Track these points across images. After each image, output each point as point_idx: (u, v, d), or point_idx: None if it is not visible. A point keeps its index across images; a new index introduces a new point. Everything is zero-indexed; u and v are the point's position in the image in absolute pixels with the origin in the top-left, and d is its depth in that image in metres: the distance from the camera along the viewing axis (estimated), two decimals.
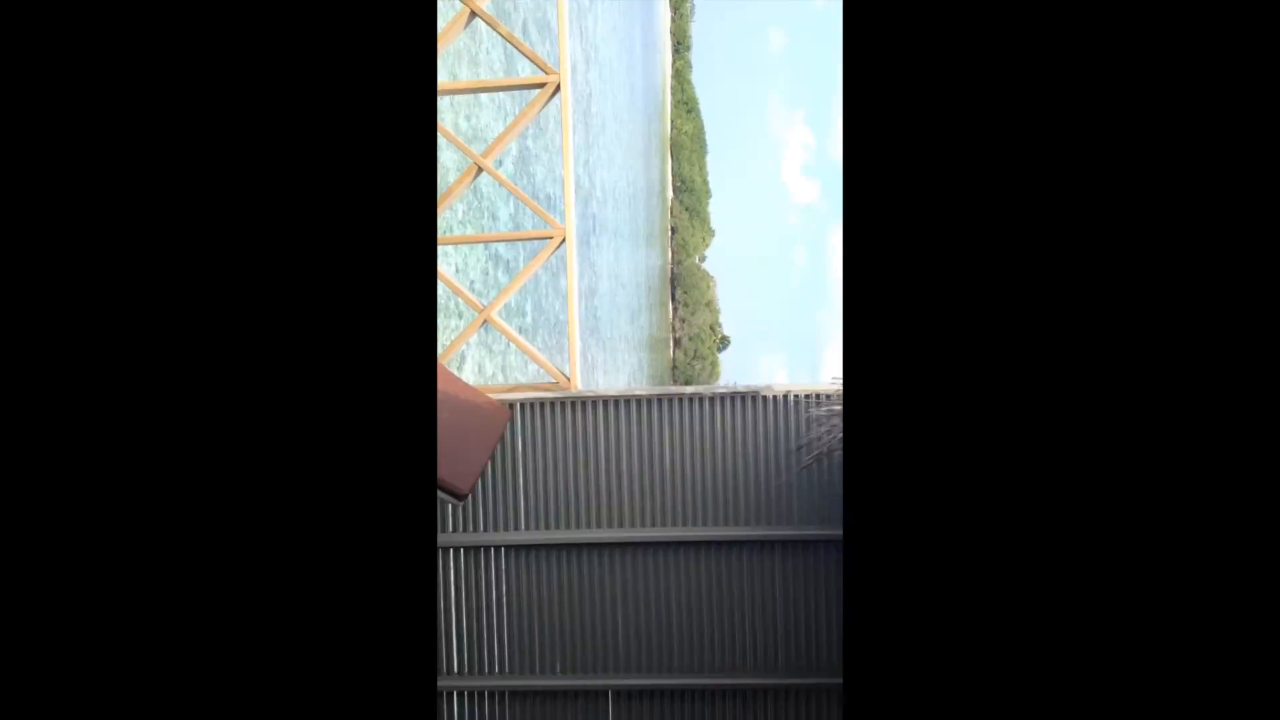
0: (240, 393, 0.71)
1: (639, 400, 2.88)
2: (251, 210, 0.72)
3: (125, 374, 0.68)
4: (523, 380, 9.04)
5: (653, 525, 2.87)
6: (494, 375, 8.50)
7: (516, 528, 2.92)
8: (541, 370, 3.03)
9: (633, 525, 2.88)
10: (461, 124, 7.60)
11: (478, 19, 2.80)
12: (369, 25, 0.74)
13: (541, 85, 2.81)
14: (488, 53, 8.26)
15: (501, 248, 8.82)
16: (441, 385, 2.62)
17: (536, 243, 2.78)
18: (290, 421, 0.72)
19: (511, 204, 8.95)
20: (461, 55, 7.46)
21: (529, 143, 10.12)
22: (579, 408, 2.91)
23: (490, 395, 2.87)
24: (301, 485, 0.72)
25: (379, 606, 0.73)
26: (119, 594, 0.67)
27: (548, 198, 10.61)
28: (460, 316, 6.98)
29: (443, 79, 6.86)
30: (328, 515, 0.72)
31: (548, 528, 2.91)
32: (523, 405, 2.92)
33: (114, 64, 0.67)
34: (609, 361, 16.04)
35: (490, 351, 8.28)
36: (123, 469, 0.68)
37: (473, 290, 7.91)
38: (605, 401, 2.88)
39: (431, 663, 0.78)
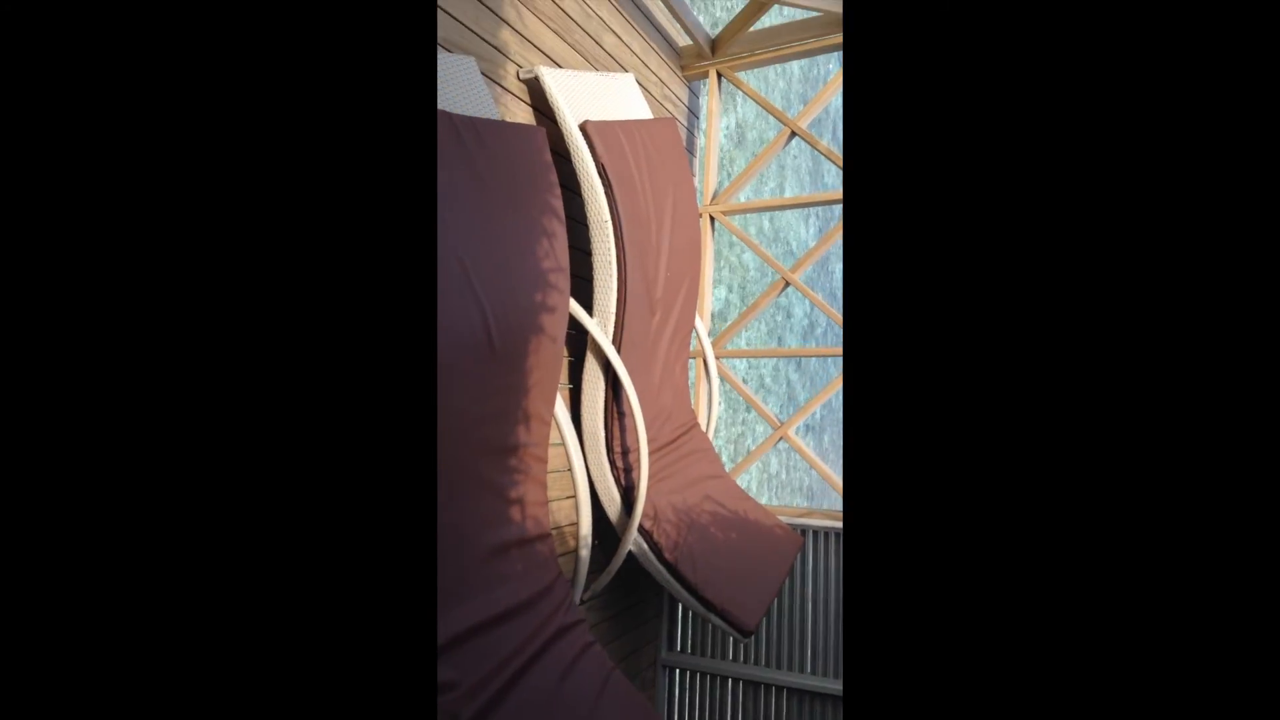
0: (236, 396, 0.71)
1: None
2: (248, 211, 0.72)
3: (112, 376, 0.68)
4: (808, 483, 8.67)
5: None
6: (778, 472, 8.31)
7: (801, 669, 2.64)
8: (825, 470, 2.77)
9: None
10: (765, 226, 7.84)
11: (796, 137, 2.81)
12: (369, 26, 0.73)
13: None
14: (794, 158, 8.50)
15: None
16: (732, 503, 2.53)
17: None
18: (288, 426, 0.71)
19: (806, 304, 8.87)
20: (770, 167, 7.77)
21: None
22: None
23: (782, 518, 2.70)
24: (298, 492, 0.71)
25: (377, 621, 0.71)
26: (111, 589, 0.67)
27: None
28: (749, 411, 6.99)
29: (752, 197, 7.19)
30: (324, 526, 0.71)
31: (837, 676, 2.58)
32: (816, 533, 2.69)
33: (108, 57, 0.67)
34: None
35: (775, 449, 8.14)
36: (107, 475, 0.67)
37: (762, 386, 7.91)
38: None
39: (432, 686, 0.74)
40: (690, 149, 3.06)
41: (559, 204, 1.80)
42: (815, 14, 2.65)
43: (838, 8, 2.59)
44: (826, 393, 2.77)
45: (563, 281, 1.78)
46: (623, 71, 2.52)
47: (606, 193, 2.05)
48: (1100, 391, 0.67)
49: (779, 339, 8.31)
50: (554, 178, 1.80)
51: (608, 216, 2.07)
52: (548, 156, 1.79)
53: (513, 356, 1.64)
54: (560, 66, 2.21)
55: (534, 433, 1.76)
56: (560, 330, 1.80)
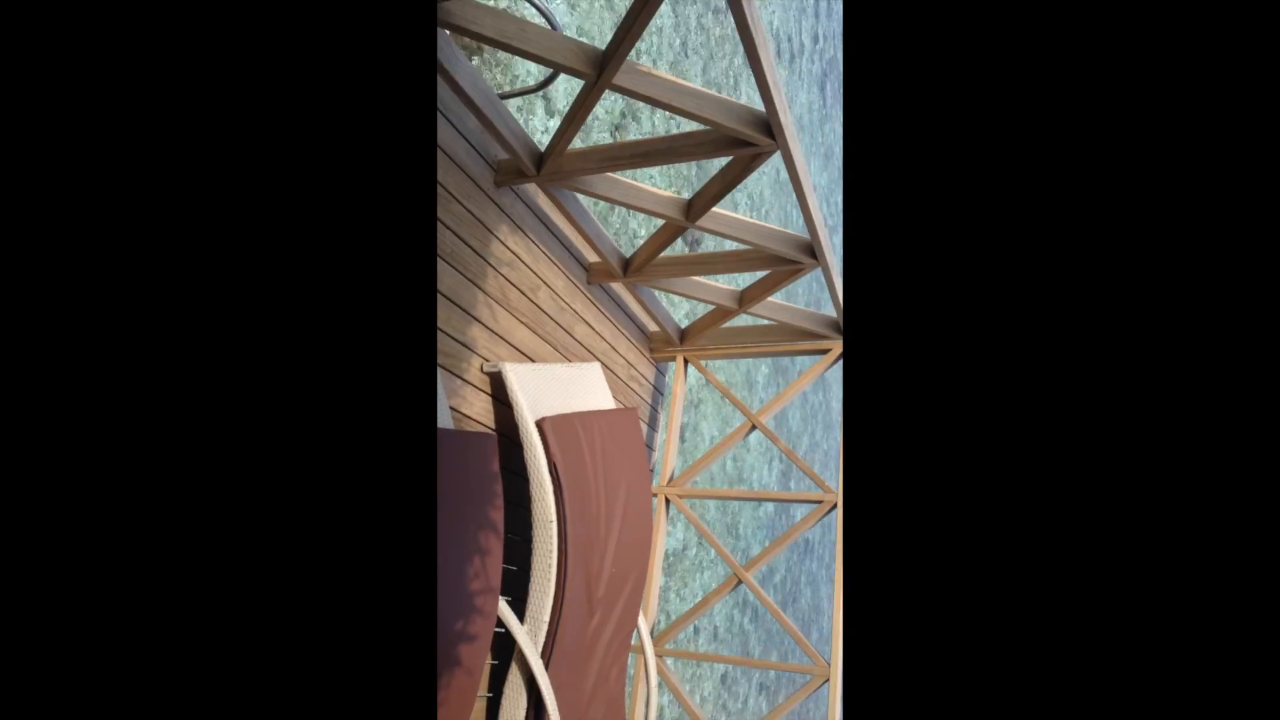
0: (234, 398, 0.71)
1: None
2: (247, 214, 0.73)
3: (111, 375, 0.69)
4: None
5: None
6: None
7: None
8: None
9: None
10: (728, 465, 7.86)
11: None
12: (369, 27, 0.75)
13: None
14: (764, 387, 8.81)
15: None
16: None
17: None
18: (287, 429, 0.72)
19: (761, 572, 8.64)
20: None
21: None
22: None
23: None
24: (300, 496, 0.72)
25: (377, 620, 0.73)
26: (110, 588, 0.67)
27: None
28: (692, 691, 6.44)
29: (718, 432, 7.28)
30: (326, 526, 0.72)
31: None
32: None
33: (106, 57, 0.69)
34: None
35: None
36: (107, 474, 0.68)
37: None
38: None
39: (431, 668, 0.77)
40: (652, 424, 3.09)
41: (500, 516, 1.72)
42: (774, 323, 2.82)
43: (796, 320, 2.76)
44: (782, 709, 2.51)
45: (490, 604, 1.64)
46: (591, 358, 2.59)
47: (555, 494, 1.99)
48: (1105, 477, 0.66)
49: (728, 611, 7.93)
50: (498, 488, 1.73)
51: (553, 517, 1.98)
52: (495, 466, 1.74)
53: None
54: (529, 357, 2.26)
55: None
56: (480, 660, 1.62)
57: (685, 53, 6.01)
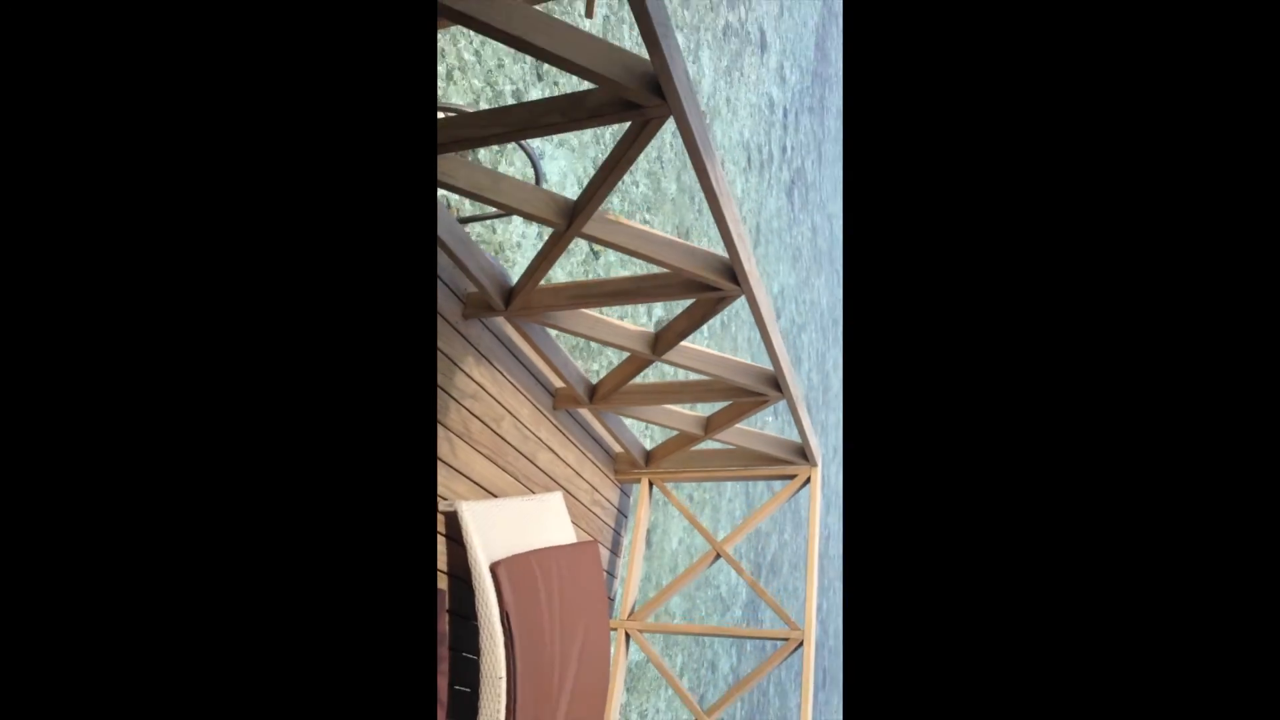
0: (233, 402, 0.71)
1: None
2: (247, 215, 0.73)
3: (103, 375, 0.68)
4: None
5: None
6: None
7: None
8: None
9: None
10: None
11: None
12: (369, 29, 0.75)
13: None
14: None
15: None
16: None
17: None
18: (287, 433, 0.72)
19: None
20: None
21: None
22: None
23: None
24: (300, 500, 0.71)
25: (377, 620, 0.71)
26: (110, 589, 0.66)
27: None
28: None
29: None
30: (323, 537, 0.72)
31: None
32: None
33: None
34: None
35: None
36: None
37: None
38: None
39: (431, 668, 0.75)
40: (614, 548, 2.98)
41: (444, 682, 1.59)
42: (733, 448, 2.79)
43: (763, 446, 2.74)
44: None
45: None
46: (554, 486, 2.52)
47: (507, 647, 1.87)
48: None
49: None
50: (444, 650, 1.62)
51: (503, 673, 1.85)
52: (444, 625, 1.63)
53: None
54: (489, 491, 2.18)
55: None
56: None
57: (660, 163, 6.25)
